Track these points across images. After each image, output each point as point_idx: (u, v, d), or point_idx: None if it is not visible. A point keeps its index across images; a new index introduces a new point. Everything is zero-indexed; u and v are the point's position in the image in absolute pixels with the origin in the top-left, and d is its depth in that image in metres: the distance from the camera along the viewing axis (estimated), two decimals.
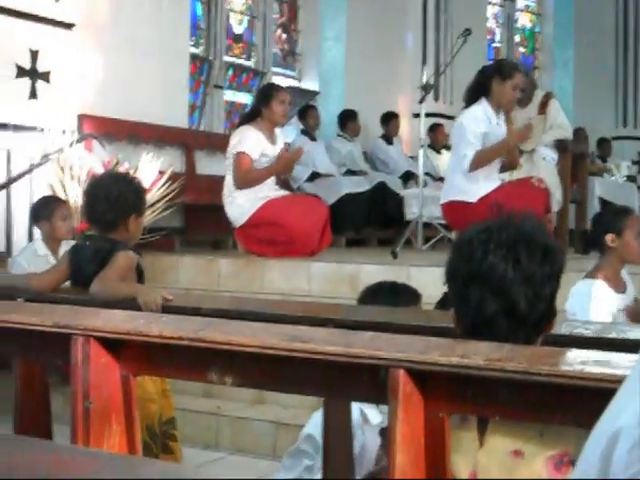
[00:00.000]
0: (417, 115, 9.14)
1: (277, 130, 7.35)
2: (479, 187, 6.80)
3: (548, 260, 2.04)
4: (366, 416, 3.23)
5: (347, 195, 9.90)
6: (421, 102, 8.42)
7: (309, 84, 11.49)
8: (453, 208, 6.86)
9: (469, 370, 1.70)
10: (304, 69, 11.61)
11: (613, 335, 2.48)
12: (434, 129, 11.00)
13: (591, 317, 4.26)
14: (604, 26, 14.61)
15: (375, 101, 11.25)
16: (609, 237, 4.39)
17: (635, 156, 14.06)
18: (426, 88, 8.56)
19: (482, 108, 6.83)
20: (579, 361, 1.68)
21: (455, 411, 1.90)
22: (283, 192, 7.40)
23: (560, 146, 8.10)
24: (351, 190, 9.98)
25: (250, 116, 7.35)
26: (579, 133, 10.49)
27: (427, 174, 10.03)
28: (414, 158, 10.13)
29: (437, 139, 11.11)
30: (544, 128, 8.56)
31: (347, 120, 10.72)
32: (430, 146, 10.88)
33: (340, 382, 2.03)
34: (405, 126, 11.59)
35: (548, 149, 8.18)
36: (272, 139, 7.21)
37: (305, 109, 10.38)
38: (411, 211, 9.04)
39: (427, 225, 8.32)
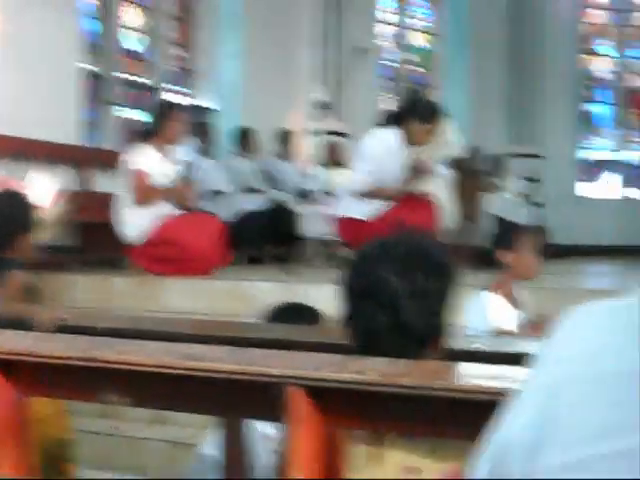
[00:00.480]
0: (313, 133, 9.19)
1: (175, 148, 7.31)
2: (373, 205, 6.86)
3: (440, 276, 2.06)
4: (263, 429, 3.24)
5: (244, 213, 9.88)
6: (317, 120, 8.47)
7: (205, 101, 11.45)
8: (346, 224, 6.92)
9: (365, 386, 1.70)
10: (200, 86, 11.57)
11: (507, 349, 2.51)
12: (329, 146, 11.06)
13: (491, 327, 4.32)
14: (497, 46, 14.92)
15: (271, 118, 11.26)
16: (504, 253, 4.44)
17: (527, 173, 14.37)
18: (321, 106, 8.61)
19: (392, 136, 6.89)
20: (472, 375, 1.69)
21: (351, 427, 1.90)
22: (179, 211, 7.35)
23: (454, 163, 8.22)
24: (248, 208, 9.97)
25: (147, 134, 7.29)
26: (473, 151, 10.67)
27: (322, 191, 10.09)
28: (310, 175, 10.17)
29: (332, 156, 11.18)
30: (438, 146, 8.70)
31: (244, 138, 10.71)
32: (325, 163, 10.94)
33: (236, 401, 2.01)
34: (301, 144, 11.64)
35: (442, 166, 8.30)
36: (169, 157, 7.17)
37: (201, 127, 10.34)
38: (307, 229, 9.07)
39: (324, 242, 8.36)
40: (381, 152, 6.89)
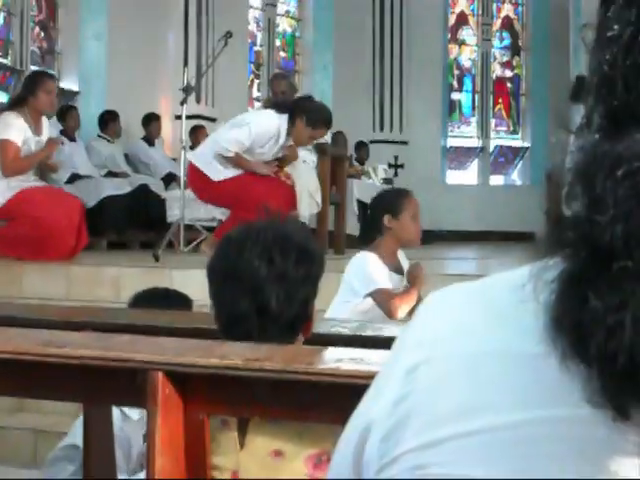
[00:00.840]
0: (179, 117, 9.11)
1: (44, 120, 7.12)
2: (225, 170, 6.95)
3: (304, 262, 2.07)
4: (124, 412, 3.23)
5: (108, 197, 9.74)
6: (182, 104, 8.40)
7: (69, 84, 11.21)
8: (196, 173, 7.18)
9: (228, 371, 1.70)
10: (63, 68, 11.33)
11: (369, 333, 2.55)
12: (195, 131, 10.96)
13: (369, 283, 4.39)
14: (362, 32, 15.04)
15: (137, 102, 11.12)
16: (386, 218, 4.49)
17: (391, 159, 14.55)
18: (187, 90, 8.54)
19: (284, 123, 6.94)
20: (334, 359, 1.71)
21: (215, 412, 1.90)
22: (37, 183, 7.13)
23: (319, 149, 8.26)
24: (112, 192, 9.82)
25: (15, 103, 7.07)
26: (338, 136, 10.74)
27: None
28: (176, 160, 10.07)
29: (198, 141, 11.07)
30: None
31: (108, 121, 10.55)
32: (191, 148, 10.86)
33: (98, 387, 1.98)
34: (167, 128, 11.52)
35: (308, 152, 8.34)
36: (38, 129, 6.97)
37: (64, 109, 10.13)
38: (173, 213, 8.99)
39: (189, 227, 8.31)
40: (269, 132, 6.93)
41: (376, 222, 4.58)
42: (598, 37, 0.73)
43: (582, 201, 0.68)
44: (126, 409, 3.20)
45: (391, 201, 4.59)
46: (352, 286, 4.46)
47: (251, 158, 7.07)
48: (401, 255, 4.68)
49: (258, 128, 6.95)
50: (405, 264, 4.67)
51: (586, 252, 0.67)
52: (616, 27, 0.70)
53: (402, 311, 4.33)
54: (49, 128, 7.30)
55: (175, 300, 3.43)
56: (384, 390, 0.81)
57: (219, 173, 7.02)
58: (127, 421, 3.17)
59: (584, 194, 0.68)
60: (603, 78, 0.71)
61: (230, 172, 7.03)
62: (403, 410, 0.77)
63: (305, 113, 7.02)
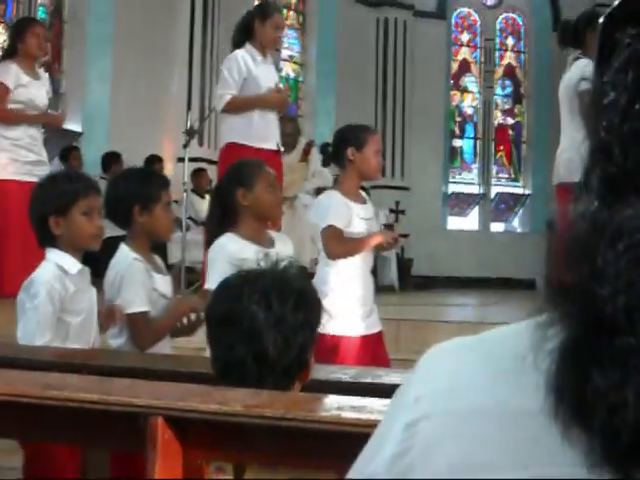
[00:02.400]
0: (181, 159, 9.16)
1: (41, 72, 7.11)
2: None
3: (303, 308, 2.07)
4: (63, 267, 3.41)
5: (109, 238, 9.71)
6: (185, 147, 8.45)
7: (72, 125, 11.27)
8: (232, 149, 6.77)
9: (228, 417, 1.70)
10: (68, 109, 11.39)
11: (369, 380, 2.54)
12: (197, 174, 11.00)
13: (331, 221, 4.46)
14: (365, 78, 15.14)
15: (139, 144, 11.16)
16: (349, 151, 4.51)
17: (393, 205, 14.58)
18: (190, 133, 8.59)
19: (245, 51, 6.86)
20: (335, 407, 1.71)
21: (214, 458, 1.90)
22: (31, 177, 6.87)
23: (320, 194, 8.29)
24: (113, 233, 9.81)
25: (6, 55, 7.02)
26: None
27: (190, 218, 10.04)
28: (178, 202, 10.10)
29: (200, 184, 11.12)
30: (306, 175, 8.77)
31: (110, 162, 10.58)
32: (193, 190, 10.88)
33: (97, 431, 1.98)
34: (169, 170, 11.56)
35: (309, 196, 8.37)
36: (33, 75, 6.93)
37: (68, 150, 10.17)
38: (174, 255, 9.01)
39: (190, 269, 8.32)
40: (237, 62, 6.81)
41: (339, 155, 4.61)
42: (594, 102, 0.73)
43: (582, 271, 0.67)
44: (62, 263, 3.42)
45: (355, 135, 4.61)
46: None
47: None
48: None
49: (227, 65, 6.84)
50: (367, 198, 4.80)
51: (587, 324, 0.66)
52: (612, 92, 0.71)
53: (340, 257, 4.47)
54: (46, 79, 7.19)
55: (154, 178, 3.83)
56: (384, 444, 0.81)
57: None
58: (68, 275, 3.42)
59: (584, 265, 0.67)
60: (600, 143, 0.71)
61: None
62: (402, 466, 0.77)
63: (252, 15, 6.97)
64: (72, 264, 3.51)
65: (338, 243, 4.48)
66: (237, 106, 6.70)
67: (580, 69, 6.45)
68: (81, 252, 3.63)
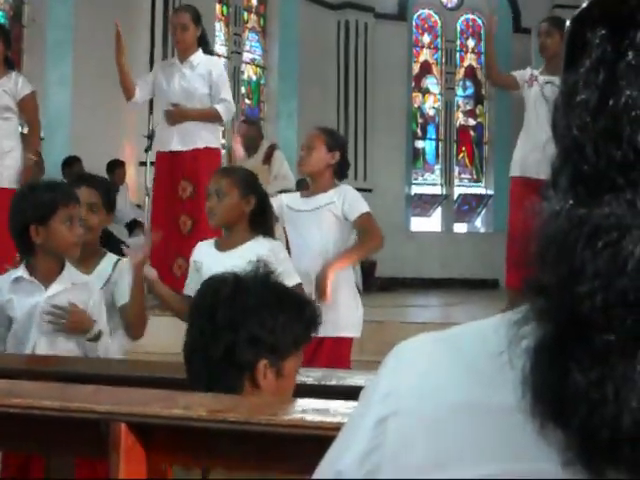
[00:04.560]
0: (143, 163, 9.11)
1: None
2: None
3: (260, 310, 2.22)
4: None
5: None
6: (147, 151, 8.41)
7: None
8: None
9: (191, 422, 1.70)
10: None
11: (334, 382, 2.54)
12: None
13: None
14: (327, 80, 15.14)
15: (101, 148, 11.10)
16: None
17: None
18: (152, 137, 8.55)
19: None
20: (299, 410, 1.71)
21: (178, 463, 1.89)
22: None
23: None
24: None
25: None
26: (302, 184, 10.78)
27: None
28: (140, 206, 10.07)
29: None
30: (268, 179, 8.76)
31: (71, 166, 10.52)
32: None
33: (60, 438, 1.97)
34: (131, 174, 11.51)
35: (272, 199, 8.36)
36: None
37: None
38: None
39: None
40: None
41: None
42: (566, 101, 0.73)
43: (560, 270, 0.67)
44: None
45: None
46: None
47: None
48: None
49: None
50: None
51: (565, 322, 0.66)
52: (584, 92, 0.71)
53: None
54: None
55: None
56: (353, 441, 0.80)
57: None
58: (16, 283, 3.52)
59: (562, 263, 0.67)
60: (573, 142, 0.71)
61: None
62: (372, 463, 0.77)
63: None
64: (21, 271, 3.58)
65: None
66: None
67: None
68: (61, 261, 3.65)
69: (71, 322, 3.53)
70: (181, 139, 7.07)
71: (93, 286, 3.79)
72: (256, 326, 2.15)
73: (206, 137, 7.11)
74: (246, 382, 2.12)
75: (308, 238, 4.84)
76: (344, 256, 4.77)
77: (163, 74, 7.18)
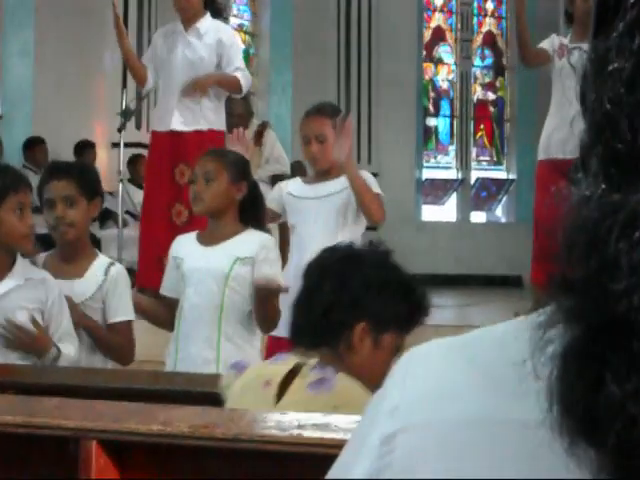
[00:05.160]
0: (116, 145, 9.11)
1: None
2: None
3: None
4: None
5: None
6: (120, 130, 8.40)
7: None
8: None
9: (172, 439, 1.70)
10: None
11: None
12: (135, 161, 10.92)
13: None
14: (326, 49, 15.08)
15: (68, 128, 11.09)
16: None
17: None
18: (126, 114, 8.55)
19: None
20: (296, 425, 1.71)
21: None
22: None
23: (277, 182, 8.27)
24: (37, 230, 9.75)
25: None
26: (298, 167, 10.77)
27: (127, 213, 10.00)
28: (113, 194, 10.06)
29: (138, 172, 11.05)
30: (259, 162, 8.76)
31: (33, 149, 10.53)
32: (130, 180, 10.82)
33: (23, 457, 1.97)
34: (103, 157, 11.49)
35: (264, 184, 8.35)
36: None
37: None
38: (109, 254, 8.95)
39: (128, 270, 8.27)
40: None
41: None
42: (596, 70, 0.72)
43: (591, 264, 0.66)
44: None
45: None
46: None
47: None
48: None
49: None
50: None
51: (597, 324, 0.65)
52: (617, 59, 0.70)
53: None
54: None
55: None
56: (357, 461, 0.80)
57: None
58: None
59: (593, 256, 0.66)
60: (604, 117, 0.69)
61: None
62: None
63: None
64: None
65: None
66: None
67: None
68: (11, 254, 3.64)
69: (25, 343, 3.52)
70: (182, 118, 7.04)
71: (52, 282, 3.76)
72: (360, 290, 2.50)
73: (210, 118, 7.09)
74: (342, 343, 2.46)
75: (315, 228, 4.87)
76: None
77: (165, 43, 7.12)
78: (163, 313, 4.28)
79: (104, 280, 4.04)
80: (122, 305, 4.04)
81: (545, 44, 7.34)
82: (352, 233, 4.95)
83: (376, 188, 4.98)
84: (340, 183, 4.90)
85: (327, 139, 4.88)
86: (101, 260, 4.20)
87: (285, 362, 2.51)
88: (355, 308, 2.50)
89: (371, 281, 2.55)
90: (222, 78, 6.99)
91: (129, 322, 4.08)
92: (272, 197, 5.03)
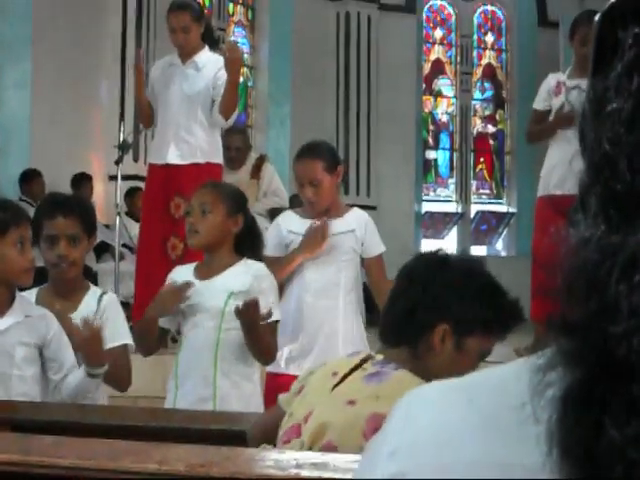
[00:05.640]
0: (114, 177, 9.11)
1: None
2: None
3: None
4: None
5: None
6: (118, 163, 8.41)
7: None
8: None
9: (168, 478, 1.69)
10: None
11: None
12: (132, 193, 10.92)
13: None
14: (325, 82, 15.10)
15: (65, 160, 11.10)
16: None
17: None
18: (124, 147, 8.55)
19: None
20: (294, 464, 1.70)
21: None
22: None
23: (275, 216, 8.27)
24: (37, 264, 9.74)
25: None
26: (296, 200, 10.77)
27: (124, 246, 9.99)
28: (109, 227, 10.06)
29: (135, 205, 11.05)
30: (257, 195, 8.77)
31: (30, 182, 10.53)
32: (128, 213, 10.83)
33: None
34: (100, 190, 11.50)
35: (261, 218, 8.35)
36: None
37: None
38: (106, 288, 8.95)
39: (124, 304, 8.26)
40: None
41: None
42: (595, 109, 0.72)
43: (590, 306, 0.66)
44: None
45: None
46: None
47: None
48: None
49: None
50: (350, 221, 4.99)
51: (596, 367, 0.65)
52: (616, 99, 0.70)
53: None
54: None
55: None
56: None
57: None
58: None
59: (593, 299, 0.66)
60: (603, 157, 0.70)
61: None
62: None
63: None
64: None
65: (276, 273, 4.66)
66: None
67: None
68: (11, 290, 3.65)
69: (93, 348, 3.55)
70: (179, 151, 7.04)
71: (51, 318, 3.77)
72: (443, 291, 2.58)
73: (207, 150, 7.09)
74: (423, 343, 2.53)
75: (319, 269, 4.87)
76: None
77: (162, 75, 7.14)
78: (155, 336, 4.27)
79: (97, 310, 4.04)
80: (117, 329, 4.03)
81: (542, 92, 7.35)
82: (357, 279, 4.99)
83: (382, 246, 5.10)
84: (345, 224, 4.91)
85: (321, 183, 4.87)
86: (93, 291, 4.20)
87: (358, 356, 2.63)
88: (437, 309, 2.58)
89: (455, 283, 2.63)
90: (236, 82, 6.97)
91: (125, 346, 4.07)
92: (272, 243, 4.93)
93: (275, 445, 2.56)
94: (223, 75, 6.82)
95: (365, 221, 5.01)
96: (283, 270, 4.79)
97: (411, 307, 2.60)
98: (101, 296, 4.14)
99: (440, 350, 2.55)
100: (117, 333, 4.02)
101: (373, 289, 5.08)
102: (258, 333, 4.10)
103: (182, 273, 4.39)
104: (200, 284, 4.23)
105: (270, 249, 4.81)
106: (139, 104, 7.35)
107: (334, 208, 4.96)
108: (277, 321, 4.26)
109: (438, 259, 2.75)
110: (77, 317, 3.90)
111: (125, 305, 8.25)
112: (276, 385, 4.50)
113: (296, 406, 2.54)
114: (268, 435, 2.91)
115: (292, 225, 5.02)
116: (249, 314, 3.99)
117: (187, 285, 4.17)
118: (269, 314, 4.05)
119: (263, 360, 4.36)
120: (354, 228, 4.88)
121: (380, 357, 2.56)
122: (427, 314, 2.58)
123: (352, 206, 5.27)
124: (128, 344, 4.08)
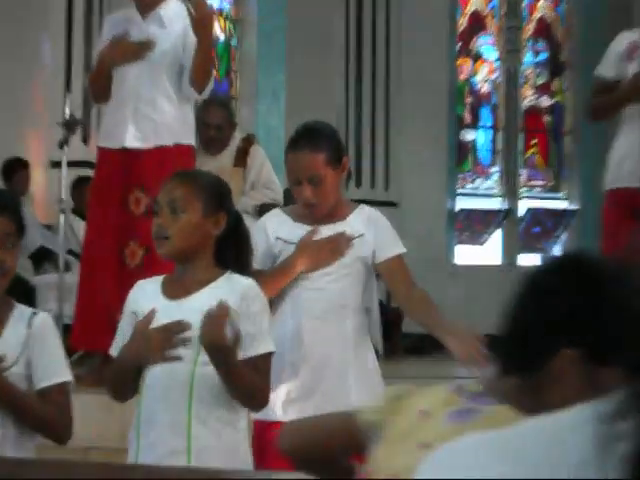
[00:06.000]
0: (57, 164, 9.13)
1: None
2: None
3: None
4: None
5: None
6: (62, 146, 8.41)
7: None
8: None
9: None
10: None
11: None
12: (81, 185, 10.81)
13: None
14: (330, 41, 15.02)
15: None
16: None
17: None
18: (70, 125, 8.56)
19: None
20: None
21: None
22: None
23: (266, 212, 8.27)
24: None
25: None
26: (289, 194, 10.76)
27: (70, 252, 9.99)
28: (52, 228, 10.07)
29: (84, 200, 10.97)
30: (243, 187, 8.75)
31: None
32: (75, 211, 10.81)
33: None
34: (39, 180, 11.52)
35: (249, 217, 8.36)
36: None
37: None
38: (47, 307, 8.96)
39: (68, 327, 8.28)
40: None
41: None
42: None
43: None
44: None
45: None
46: None
47: None
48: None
49: None
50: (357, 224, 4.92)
51: None
52: None
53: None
54: None
55: None
56: None
57: None
58: None
59: None
60: None
61: None
62: None
63: None
64: None
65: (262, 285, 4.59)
66: None
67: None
68: None
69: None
70: (139, 132, 6.96)
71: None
72: (557, 311, 2.52)
73: (176, 130, 7.00)
74: (539, 371, 2.45)
75: (319, 285, 4.82)
76: None
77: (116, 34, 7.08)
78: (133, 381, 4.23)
79: (28, 335, 3.96)
80: (53, 364, 3.96)
81: (607, 67, 7.24)
82: (370, 293, 4.93)
83: (400, 245, 5.05)
84: (349, 226, 4.81)
85: (323, 180, 4.78)
86: (19, 311, 4.08)
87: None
88: (561, 331, 2.53)
89: (584, 304, 2.55)
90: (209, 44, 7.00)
91: (63, 385, 3.98)
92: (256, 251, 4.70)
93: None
94: None
95: (375, 218, 4.92)
96: (274, 284, 4.73)
97: (527, 326, 2.60)
98: (32, 317, 4.05)
99: (562, 380, 2.46)
100: (52, 368, 3.95)
101: (401, 302, 5.04)
102: (236, 370, 4.00)
103: (146, 291, 4.29)
104: (169, 304, 4.13)
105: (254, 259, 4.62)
106: (99, 73, 7.25)
107: (337, 209, 4.89)
108: (270, 353, 4.17)
109: (566, 269, 2.67)
110: (1, 346, 3.87)
111: (69, 327, 8.27)
112: (269, 436, 4.41)
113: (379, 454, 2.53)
114: (311, 449, 2.89)
115: (281, 231, 4.93)
116: (214, 337, 3.90)
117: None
118: (237, 338, 3.92)
119: (250, 405, 4.23)
120: (363, 232, 4.80)
121: (476, 387, 2.58)
122: (547, 335, 2.54)
123: (359, 202, 5.17)
124: (65, 382, 4.02)
